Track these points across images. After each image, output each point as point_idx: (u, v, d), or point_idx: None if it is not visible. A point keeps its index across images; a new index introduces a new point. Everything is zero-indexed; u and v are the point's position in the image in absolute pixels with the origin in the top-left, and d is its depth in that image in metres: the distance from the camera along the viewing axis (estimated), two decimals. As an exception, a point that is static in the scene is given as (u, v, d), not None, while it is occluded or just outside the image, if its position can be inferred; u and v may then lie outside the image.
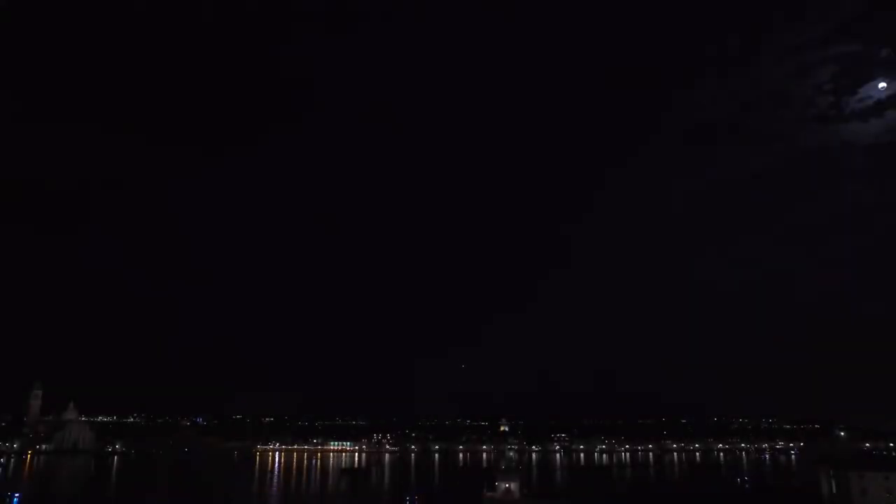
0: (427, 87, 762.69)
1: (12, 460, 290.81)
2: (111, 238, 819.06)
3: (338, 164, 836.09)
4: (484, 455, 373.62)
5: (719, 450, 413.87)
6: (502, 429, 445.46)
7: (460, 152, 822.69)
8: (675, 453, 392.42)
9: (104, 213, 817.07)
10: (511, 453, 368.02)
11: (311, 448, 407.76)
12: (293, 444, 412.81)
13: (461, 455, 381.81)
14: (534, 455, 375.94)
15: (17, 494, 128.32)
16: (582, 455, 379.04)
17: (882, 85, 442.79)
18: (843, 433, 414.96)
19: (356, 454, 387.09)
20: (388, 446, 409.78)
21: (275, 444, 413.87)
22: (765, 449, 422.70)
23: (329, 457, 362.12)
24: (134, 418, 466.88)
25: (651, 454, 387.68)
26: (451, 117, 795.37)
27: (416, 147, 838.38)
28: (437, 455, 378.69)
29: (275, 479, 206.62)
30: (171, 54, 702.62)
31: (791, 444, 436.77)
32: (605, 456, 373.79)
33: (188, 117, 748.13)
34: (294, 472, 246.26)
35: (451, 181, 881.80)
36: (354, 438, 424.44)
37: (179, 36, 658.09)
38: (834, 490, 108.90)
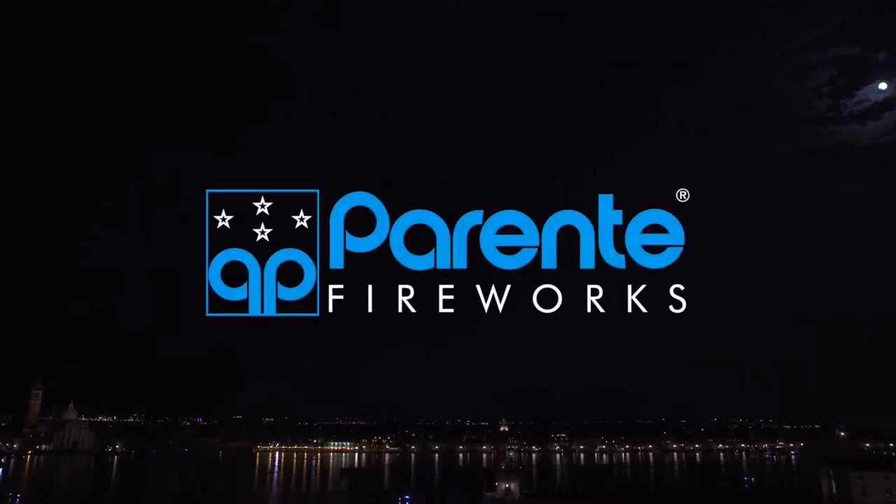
0: (421, 85, 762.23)
1: (12, 460, 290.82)
2: (111, 238, 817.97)
3: (329, 161, 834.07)
4: (484, 455, 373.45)
5: (719, 450, 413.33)
6: (502, 429, 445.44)
7: (450, 150, 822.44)
8: (675, 453, 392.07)
9: (104, 213, 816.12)
10: (511, 453, 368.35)
11: (311, 448, 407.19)
12: (293, 444, 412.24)
13: (461, 455, 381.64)
14: (534, 455, 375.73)
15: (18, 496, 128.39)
16: (582, 455, 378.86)
17: (882, 86, 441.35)
18: (843, 433, 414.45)
19: (356, 454, 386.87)
20: (388, 446, 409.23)
21: (275, 444, 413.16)
22: (765, 449, 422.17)
23: (329, 457, 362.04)
24: (134, 418, 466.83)
25: (651, 454, 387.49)
26: (443, 115, 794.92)
27: (408, 145, 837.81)
28: (437, 455, 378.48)
29: (275, 479, 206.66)
30: (167, 52, 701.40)
31: (791, 444, 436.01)
32: (605, 456, 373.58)
33: (186, 116, 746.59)
34: (294, 472, 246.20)
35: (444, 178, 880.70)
36: (354, 438, 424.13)
37: (175, 34, 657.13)
38: (834, 490, 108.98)
